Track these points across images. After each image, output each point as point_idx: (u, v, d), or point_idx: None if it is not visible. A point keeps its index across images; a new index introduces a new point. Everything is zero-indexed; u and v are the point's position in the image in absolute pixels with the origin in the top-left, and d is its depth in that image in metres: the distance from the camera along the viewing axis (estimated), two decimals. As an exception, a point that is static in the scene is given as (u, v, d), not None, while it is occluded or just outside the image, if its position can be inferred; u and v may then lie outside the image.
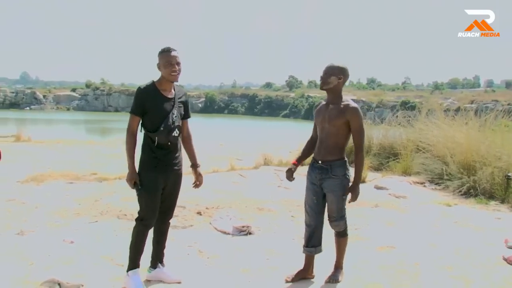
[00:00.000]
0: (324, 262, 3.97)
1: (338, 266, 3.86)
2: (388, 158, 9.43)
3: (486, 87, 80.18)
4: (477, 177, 7.18)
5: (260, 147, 12.06)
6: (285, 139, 18.09)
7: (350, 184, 3.67)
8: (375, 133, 10.21)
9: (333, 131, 3.61)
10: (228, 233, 5.08)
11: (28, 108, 61.76)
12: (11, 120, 37.36)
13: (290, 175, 3.95)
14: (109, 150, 14.08)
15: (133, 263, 3.53)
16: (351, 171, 3.69)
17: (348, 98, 3.69)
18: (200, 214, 5.73)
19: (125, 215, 5.57)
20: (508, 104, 42.27)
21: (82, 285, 3.57)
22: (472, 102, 48.01)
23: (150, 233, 3.62)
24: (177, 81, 3.54)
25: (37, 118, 44.64)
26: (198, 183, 3.80)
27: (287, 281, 3.79)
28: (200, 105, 69.41)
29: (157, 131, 3.39)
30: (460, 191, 7.25)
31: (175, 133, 3.50)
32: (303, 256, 3.88)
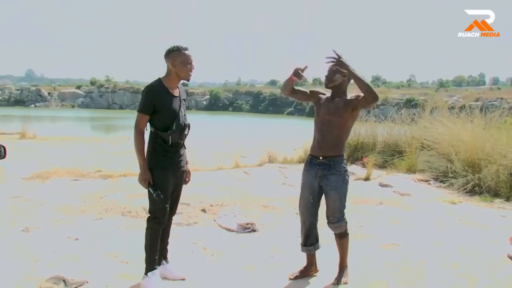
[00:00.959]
0: (327, 256, 3.97)
1: (342, 266, 3.80)
2: (393, 155, 9.41)
3: (491, 84, 79.89)
4: (482, 175, 7.16)
5: (265, 145, 12.06)
6: (290, 136, 18.11)
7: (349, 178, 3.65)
8: (380, 131, 10.20)
9: (337, 123, 3.55)
10: (233, 230, 5.09)
11: (33, 105, 61.99)
12: (16, 117, 37.47)
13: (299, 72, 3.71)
14: (114, 147, 14.14)
15: (152, 264, 3.51)
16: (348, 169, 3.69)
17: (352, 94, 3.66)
18: (205, 212, 5.74)
19: (130, 212, 5.59)
20: (514, 102, 42.09)
21: (87, 282, 3.58)
22: (477, 100, 47.71)
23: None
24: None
25: (42, 115, 44.78)
26: (187, 179, 3.77)
27: (290, 279, 3.79)
28: (204, 102, 69.48)
29: (170, 131, 3.39)
30: (465, 189, 7.23)
31: (186, 131, 3.54)
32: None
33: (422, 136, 9.14)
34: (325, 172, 3.58)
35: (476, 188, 7.14)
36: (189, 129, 3.57)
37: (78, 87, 70.50)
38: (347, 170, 3.66)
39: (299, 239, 4.79)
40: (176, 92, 3.48)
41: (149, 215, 3.51)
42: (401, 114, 10.45)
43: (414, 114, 10.38)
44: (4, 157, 3.01)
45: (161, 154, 3.42)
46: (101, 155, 11.89)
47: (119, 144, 14.96)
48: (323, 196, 3.70)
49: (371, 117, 10.73)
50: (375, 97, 3.42)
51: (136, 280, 3.60)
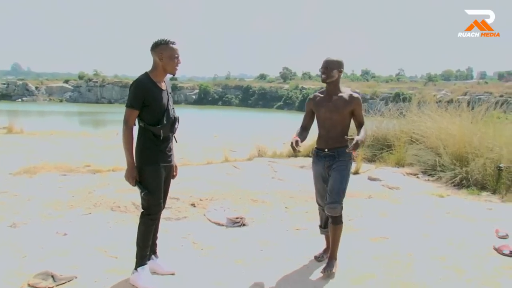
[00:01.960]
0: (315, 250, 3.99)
1: (332, 257, 3.85)
2: (382, 149, 9.46)
3: (479, 79, 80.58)
4: (470, 168, 7.22)
5: (254, 139, 12.04)
6: (279, 130, 18.11)
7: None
8: (369, 125, 10.20)
9: (340, 120, 3.77)
10: (222, 225, 5.09)
11: (20, 99, 61.47)
12: (2, 112, 36.96)
13: (297, 144, 3.67)
14: (103, 142, 14.04)
15: (142, 259, 3.51)
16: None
17: (346, 88, 3.86)
18: (194, 206, 5.73)
19: (119, 207, 5.57)
20: (501, 96, 42.52)
21: (76, 277, 3.56)
22: (465, 94, 48.22)
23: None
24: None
25: (29, 109, 44.32)
26: (175, 174, 3.76)
27: (316, 258, 4.05)
28: (194, 96, 69.36)
29: (161, 125, 3.37)
30: (453, 182, 7.29)
31: (177, 124, 3.53)
32: (297, 246, 3.98)
33: (411, 130, 9.19)
34: (330, 163, 3.79)
35: (464, 181, 7.21)
36: (178, 122, 3.55)
37: (66, 81, 69.99)
38: (351, 159, 3.85)
39: (288, 233, 4.85)
40: (163, 86, 3.46)
41: (143, 210, 3.50)
42: (390, 108, 10.48)
43: (403, 108, 10.43)
44: None
45: (151, 149, 3.40)
46: (90, 149, 11.81)
47: (108, 139, 14.86)
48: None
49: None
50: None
51: (125, 275, 3.58)
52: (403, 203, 6.31)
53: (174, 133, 3.55)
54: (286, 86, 68.50)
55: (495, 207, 6.18)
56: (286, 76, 77.98)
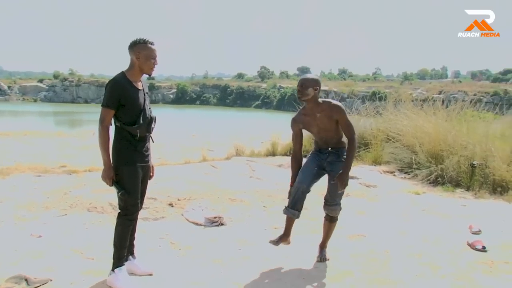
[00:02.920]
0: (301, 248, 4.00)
1: (324, 246, 4.12)
2: (359, 148, 9.52)
3: (453, 78, 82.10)
4: (444, 165, 7.34)
5: (232, 138, 12.05)
6: (257, 129, 18.16)
7: None
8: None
9: (332, 132, 3.87)
10: (200, 224, 5.07)
11: (-9, 99, 60.08)
12: (-26, 112, 36.27)
13: None
14: (79, 142, 13.88)
15: (120, 260, 3.47)
16: None
17: (326, 101, 3.87)
18: (172, 206, 5.69)
19: (96, 208, 5.49)
20: (474, 95, 43.38)
21: (51, 280, 3.50)
22: (440, 93, 49.02)
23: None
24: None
25: (1, 109, 43.44)
26: (151, 175, 3.74)
27: (271, 241, 3.92)
28: (171, 96, 68.94)
29: (137, 124, 3.34)
30: (429, 180, 7.40)
31: (153, 124, 3.50)
32: (275, 246, 3.91)
33: (387, 128, 9.27)
34: (334, 159, 3.90)
35: (439, 178, 7.32)
36: (155, 122, 3.53)
37: (41, 81, 68.77)
38: None
39: (267, 232, 4.85)
40: (139, 85, 3.43)
41: (120, 211, 3.46)
42: (366, 107, 10.56)
43: (380, 106, 10.52)
44: None
45: (128, 149, 3.37)
46: (66, 150, 11.66)
47: (84, 139, 14.68)
48: (319, 181, 3.95)
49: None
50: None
51: (102, 276, 3.53)
52: (380, 201, 6.38)
53: (150, 133, 3.52)
54: (264, 85, 68.63)
55: (469, 203, 6.30)
56: (264, 75, 78.08)
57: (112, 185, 3.35)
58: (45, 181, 7.00)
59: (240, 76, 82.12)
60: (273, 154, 9.96)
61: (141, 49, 3.32)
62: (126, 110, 3.31)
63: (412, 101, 9.99)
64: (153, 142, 3.64)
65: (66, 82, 66.13)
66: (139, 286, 3.47)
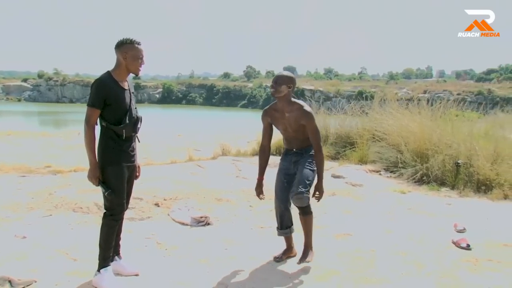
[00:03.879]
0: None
1: (307, 246, 3.99)
2: (345, 147, 9.56)
3: (438, 77, 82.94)
4: (430, 164, 7.39)
5: (218, 138, 12.02)
6: (243, 129, 18.14)
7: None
8: (332, 123, 10.33)
9: (298, 133, 3.89)
10: (187, 224, 5.05)
11: (-27, 98, 59.21)
12: (-44, 112, 35.72)
13: (260, 191, 4.11)
14: (64, 142, 13.76)
15: (105, 261, 3.44)
16: None
17: (299, 101, 3.89)
18: (158, 206, 5.67)
19: (81, 208, 5.44)
20: (458, 94, 43.88)
21: (35, 281, 3.46)
22: (425, 92, 49.41)
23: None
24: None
25: (-15, 109, 42.85)
26: (138, 174, 3.72)
27: (275, 259, 3.99)
28: (157, 95, 68.55)
29: (123, 124, 3.32)
30: (414, 179, 7.45)
31: (139, 124, 3.49)
32: (262, 245, 3.97)
33: (373, 127, 9.31)
34: (298, 158, 3.93)
35: (424, 177, 7.37)
36: (141, 121, 3.51)
37: (25, 80, 67.88)
38: None
39: (253, 231, 4.85)
40: (125, 85, 3.42)
41: (105, 211, 3.43)
42: (352, 106, 10.58)
43: (365, 106, 10.56)
44: None
45: (114, 149, 3.35)
46: (51, 150, 11.53)
47: (69, 139, 14.54)
48: None
49: (322, 109, 10.81)
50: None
51: (88, 277, 3.51)
52: (366, 200, 6.41)
53: (136, 133, 3.51)
54: (250, 85, 68.58)
55: (454, 202, 6.36)
56: (250, 74, 78.05)
57: (98, 185, 3.33)
58: (30, 181, 6.92)
59: (226, 75, 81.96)
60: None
61: (128, 49, 3.31)
62: (111, 110, 3.30)
63: (398, 100, 10.03)
64: (139, 142, 3.63)
65: (51, 81, 65.38)
66: (125, 287, 3.44)
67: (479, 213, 5.80)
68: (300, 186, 3.75)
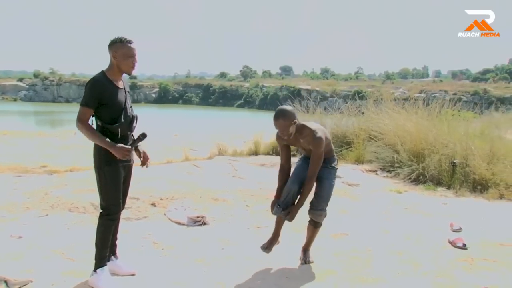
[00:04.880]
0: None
1: (307, 249, 4.08)
2: (341, 146, 9.57)
3: (434, 77, 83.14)
4: (426, 164, 7.41)
5: (215, 137, 12.00)
6: (240, 129, 18.14)
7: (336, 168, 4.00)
8: (328, 122, 10.33)
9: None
10: (183, 224, 5.04)
11: (-31, 98, 58.98)
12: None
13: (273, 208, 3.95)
14: (60, 141, 13.70)
15: (102, 261, 3.43)
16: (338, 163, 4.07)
17: (309, 124, 3.80)
18: (154, 205, 5.65)
19: (77, 208, 5.42)
20: (454, 94, 44.00)
21: (31, 281, 3.45)
22: (421, 92, 49.51)
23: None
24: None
25: (-20, 109, 42.66)
26: (143, 160, 3.68)
27: (262, 247, 3.91)
28: (154, 95, 68.46)
29: (118, 123, 3.31)
30: (410, 178, 7.46)
31: (135, 123, 3.49)
32: (258, 245, 3.92)
33: (369, 127, 9.32)
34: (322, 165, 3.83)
35: (421, 177, 7.39)
36: (136, 120, 3.50)
37: (21, 80, 67.66)
38: (336, 169, 4.02)
39: (249, 231, 4.85)
40: (120, 84, 3.40)
41: (102, 211, 3.42)
42: (349, 106, 10.59)
43: (362, 105, 10.57)
44: None
45: None
46: (47, 149, 11.48)
47: (65, 139, 14.49)
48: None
49: (319, 109, 10.81)
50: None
51: (84, 277, 3.50)
52: (363, 199, 6.42)
53: (132, 132, 3.50)
54: (247, 85, 68.58)
55: (450, 201, 6.37)
56: (246, 74, 78.12)
57: (130, 155, 3.35)
58: (26, 181, 6.89)
59: (222, 75, 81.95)
60: (255, 153, 9.95)
61: (117, 48, 3.28)
62: (107, 109, 3.28)
63: (394, 100, 10.06)
64: (134, 141, 3.59)
65: (47, 81, 65.22)
66: (121, 287, 3.44)
67: (475, 213, 5.82)
68: (322, 203, 3.85)
